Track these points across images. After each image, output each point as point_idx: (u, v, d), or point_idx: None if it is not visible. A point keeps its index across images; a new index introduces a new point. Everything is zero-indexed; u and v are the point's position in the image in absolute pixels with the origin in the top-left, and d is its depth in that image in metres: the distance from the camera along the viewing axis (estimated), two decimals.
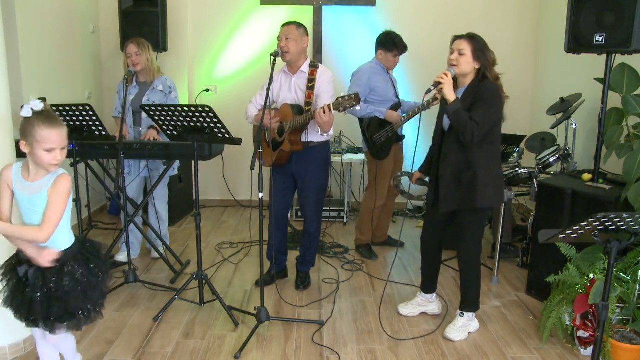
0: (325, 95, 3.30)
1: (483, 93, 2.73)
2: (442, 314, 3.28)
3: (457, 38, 2.81)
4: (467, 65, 2.76)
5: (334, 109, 3.02)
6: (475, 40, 2.76)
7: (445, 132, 2.92)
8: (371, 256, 4.23)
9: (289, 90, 3.38)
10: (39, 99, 4.00)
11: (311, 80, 3.33)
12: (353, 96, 3.00)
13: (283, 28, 3.30)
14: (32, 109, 1.98)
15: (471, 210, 2.87)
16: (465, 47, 2.75)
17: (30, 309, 2.07)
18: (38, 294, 2.06)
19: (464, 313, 3.03)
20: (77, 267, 2.11)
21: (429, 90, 2.81)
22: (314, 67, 3.36)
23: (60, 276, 2.07)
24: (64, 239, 2.14)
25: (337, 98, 3.05)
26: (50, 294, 2.06)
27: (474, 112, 2.70)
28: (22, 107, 1.98)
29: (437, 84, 2.76)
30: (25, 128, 1.99)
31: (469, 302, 3.03)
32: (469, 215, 2.89)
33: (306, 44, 3.37)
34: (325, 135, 3.26)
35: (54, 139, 1.98)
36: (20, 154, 3.28)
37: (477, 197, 2.79)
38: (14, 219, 2.11)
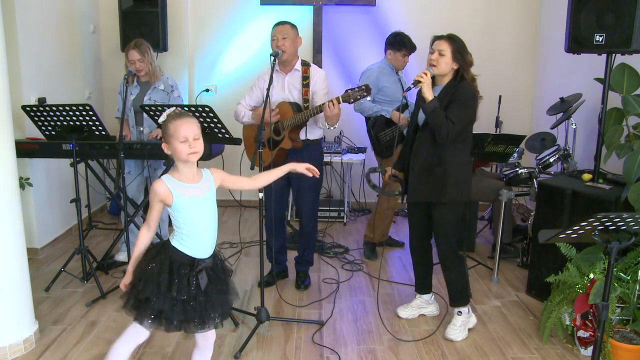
0: (321, 92, 3.35)
1: (460, 94, 2.80)
2: (441, 314, 3.28)
3: (437, 38, 2.87)
4: (446, 65, 2.82)
5: (343, 101, 3.07)
6: (455, 42, 2.82)
7: (418, 127, 2.97)
8: (371, 256, 4.22)
9: (282, 89, 3.38)
10: (39, 98, 4.05)
11: (305, 78, 3.35)
12: (364, 87, 3.06)
13: (277, 27, 3.30)
14: (167, 114, 2.11)
15: (441, 207, 2.92)
16: (446, 47, 2.81)
17: (205, 311, 2.13)
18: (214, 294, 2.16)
19: (461, 311, 3.04)
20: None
21: (409, 89, 2.87)
22: (306, 65, 3.39)
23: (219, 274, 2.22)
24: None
25: (347, 90, 3.09)
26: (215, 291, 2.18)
27: (450, 111, 2.77)
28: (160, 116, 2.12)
29: (416, 82, 2.81)
30: (162, 131, 2.11)
31: (457, 297, 3.05)
32: (440, 212, 2.93)
33: (300, 44, 3.39)
34: (331, 127, 3.28)
35: (183, 128, 2.05)
36: (20, 154, 3.30)
37: (446, 192, 2.86)
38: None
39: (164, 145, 2.12)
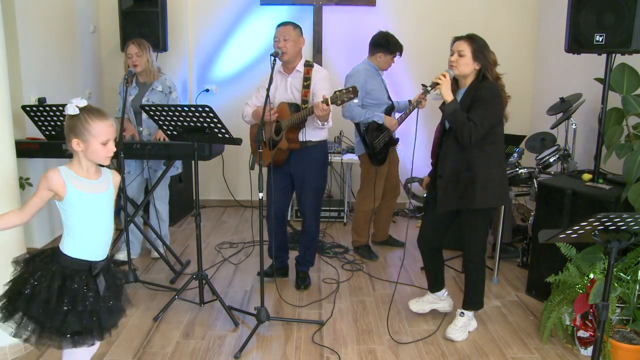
0: (321, 92, 3.31)
1: (481, 93, 2.72)
2: (453, 312, 3.27)
3: (457, 39, 2.81)
4: (467, 66, 2.76)
5: (331, 103, 3.01)
6: (474, 41, 2.76)
7: (445, 133, 2.93)
8: (371, 256, 4.22)
9: (285, 90, 3.39)
10: (39, 98, 4.04)
11: (307, 79, 3.35)
12: (351, 89, 2.98)
13: (279, 28, 3.31)
14: (77, 106, 1.97)
15: (473, 211, 2.86)
16: (465, 48, 2.75)
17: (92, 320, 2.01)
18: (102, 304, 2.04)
19: (464, 313, 3.04)
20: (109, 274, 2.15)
21: (427, 92, 2.81)
22: (309, 66, 3.38)
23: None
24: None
25: (335, 92, 3.02)
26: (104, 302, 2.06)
27: (472, 112, 2.70)
28: (65, 106, 1.98)
29: (434, 85, 2.77)
30: (76, 125, 1.96)
31: (474, 301, 3.03)
32: (470, 216, 2.89)
33: (302, 45, 3.38)
34: (324, 125, 3.24)
35: (108, 131, 2.00)
36: (20, 154, 3.30)
37: (475, 197, 2.79)
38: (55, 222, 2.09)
39: (74, 142, 1.97)
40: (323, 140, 3.49)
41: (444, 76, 2.75)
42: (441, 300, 3.26)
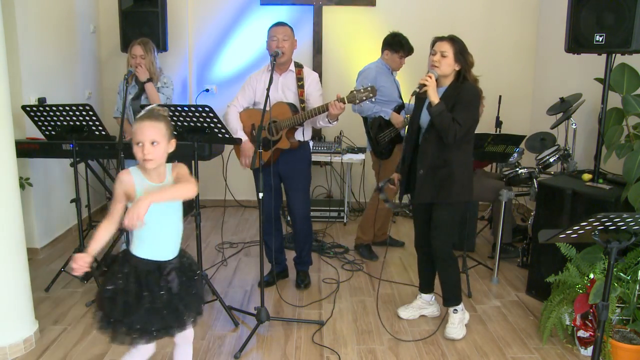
0: (315, 93, 3.37)
1: (465, 94, 2.81)
2: (442, 314, 3.28)
3: (438, 40, 2.87)
4: (449, 67, 2.83)
5: (348, 102, 3.08)
6: (456, 43, 2.83)
7: (421, 129, 2.99)
8: (371, 256, 4.22)
9: (276, 90, 3.38)
10: (39, 98, 4.04)
11: (299, 79, 3.37)
12: (369, 88, 3.05)
13: (278, 28, 3.30)
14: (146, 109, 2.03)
15: (444, 206, 2.92)
16: (448, 49, 2.81)
17: (169, 315, 2.02)
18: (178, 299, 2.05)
19: (457, 309, 3.05)
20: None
21: (415, 92, 2.86)
22: (299, 67, 3.41)
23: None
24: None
25: (352, 91, 3.08)
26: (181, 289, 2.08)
27: (455, 112, 2.78)
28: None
29: (421, 86, 2.82)
30: None
31: (450, 296, 3.06)
32: (443, 210, 2.93)
33: (296, 46, 3.40)
34: (333, 123, 3.27)
35: (138, 132, 1.96)
36: (20, 154, 3.30)
37: (453, 192, 2.87)
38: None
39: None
40: (308, 140, 3.54)
41: (430, 78, 2.80)
42: (430, 305, 3.28)
